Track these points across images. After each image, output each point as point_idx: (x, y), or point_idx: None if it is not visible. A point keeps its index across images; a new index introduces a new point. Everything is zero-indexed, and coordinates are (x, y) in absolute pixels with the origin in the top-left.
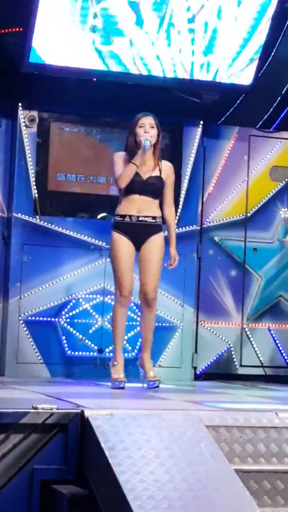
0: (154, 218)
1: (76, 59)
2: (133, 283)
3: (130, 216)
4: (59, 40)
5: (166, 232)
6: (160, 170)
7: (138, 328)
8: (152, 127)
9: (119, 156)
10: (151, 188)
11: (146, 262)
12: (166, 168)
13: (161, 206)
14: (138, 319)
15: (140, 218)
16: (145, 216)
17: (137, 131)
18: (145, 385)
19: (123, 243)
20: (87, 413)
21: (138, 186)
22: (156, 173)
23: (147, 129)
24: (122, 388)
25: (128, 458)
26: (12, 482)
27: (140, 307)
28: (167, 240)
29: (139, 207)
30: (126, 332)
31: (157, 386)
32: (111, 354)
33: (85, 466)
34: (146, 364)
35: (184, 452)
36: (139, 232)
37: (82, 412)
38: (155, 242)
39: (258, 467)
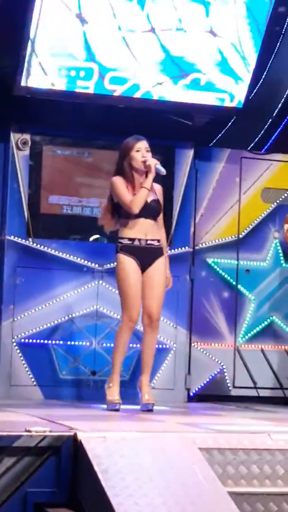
0: (158, 241)
1: (67, 82)
2: (140, 307)
3: (140, 240)
4: (51, 63)
5: None
6: (155, 193)
7: (132, 351)
8: (147, 151)
9: (121, 181)
10: (153, 211)
11: (151, 285)
12: (159, 191)
13: None
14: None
15: (149, 242)
16: (152, 240)
17: (134, 155)
18: (139, 407)
19: (131, 267)
20: (80, 435)
21: (144, 209)
22: (153, 196)
23: (144, 153)
24: (117, 410)
25: (121, 480)
26: (5, 506)
27: (140, 332)
28: None
29: (146, 230)
30: None
31: (151, 410)
32: (103, 377)
33: (78, 489)
34: (144, 388)
35: (178, 474)
36: (146, 256)
37: (75, 434)
38: (159, 265)
39: (251, 489)
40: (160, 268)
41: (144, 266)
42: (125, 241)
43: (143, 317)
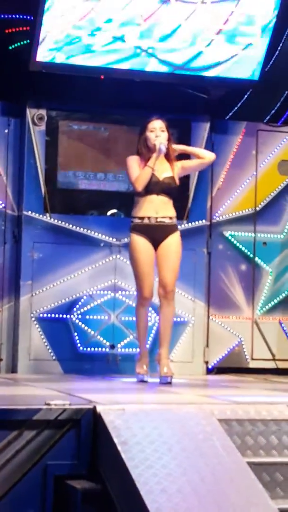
0: (171, 218)
1: (83, 57)
2: (153, 284)
3: (149, 218)
4: (65, 37)
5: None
6: (173, 171)
7: (150, 324)
8: (162, 131)
9: (134, 160)
10: (167, 188)
11: (164, 257)
12: (176, 167)
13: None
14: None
15: (159, 219)
16: (163, 217)
17: (148, 135)
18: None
19: (142, 245)
20: (99, 408)
21: (155, 186)
22: (170, 173)
23: (158, 133)
24: (145, 381)
25: (140, 452)
26: (26, 478)
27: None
28: (183, 237)
29: (157, 207)
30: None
31: (169, 382)
32: (122, 351)
33: (98, 461)
34: (162, 361)
35: (197, 445)
36: (157, 233)
37: (94, 407)
38: (172, 240)
39: (270, 459)
40: (172, 242)
41: (156, 242)
42: (136, 220)
43: (158, 289)
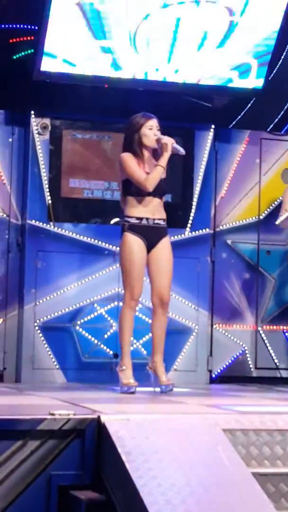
0: (164, 220)
1: (87, 66)
2: (143, 286)
3: (147, 219)
4: (70, 47)
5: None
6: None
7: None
8: (158, 129)
9: (131, 157)
10: (160, 189)
11: (159, 264)
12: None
13: None
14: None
15: (156, 221)
16: (159, 219)
17: (147, 132)
18: (158, 389)
19: (137, 246)
20: (103, 418)
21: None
22: (163, 175)
23: (156, 132)
24: (133, 393)
25: (145, 462)
26: (30, 489)
27: (152, 311)
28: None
29: (153, 209)
30: (142, 336)
31: (171, 390)
32: None
33: (102, 471)
34: (159, 368)
35: (201, 455)
36: (153, 235)
37: (99, 417)
38: (165, 245)
39: (275, 470)
40: (165, 247)
41: (150, 245)
42: (133, 220)
43: (153, 298)
